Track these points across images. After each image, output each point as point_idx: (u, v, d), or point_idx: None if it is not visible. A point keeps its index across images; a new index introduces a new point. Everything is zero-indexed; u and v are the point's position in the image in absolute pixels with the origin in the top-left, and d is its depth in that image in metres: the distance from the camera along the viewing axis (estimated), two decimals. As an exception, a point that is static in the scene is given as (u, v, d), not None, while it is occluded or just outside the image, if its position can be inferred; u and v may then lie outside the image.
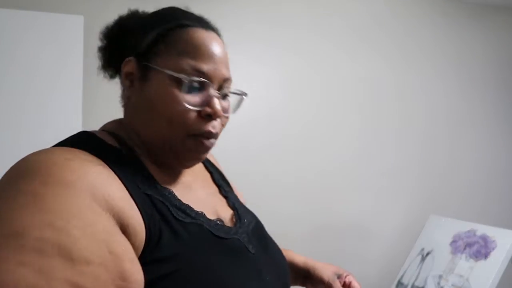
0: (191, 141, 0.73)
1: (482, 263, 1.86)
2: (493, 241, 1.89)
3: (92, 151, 0.67)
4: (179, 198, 0.73)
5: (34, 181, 0.59)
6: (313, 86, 2.48)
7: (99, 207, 0.58)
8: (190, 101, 0.71)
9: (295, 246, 2.40)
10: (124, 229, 0.60)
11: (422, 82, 2.65)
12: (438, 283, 1.95)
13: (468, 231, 2.01)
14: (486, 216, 2.61)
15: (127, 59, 0.77)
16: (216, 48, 0.73)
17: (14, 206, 0.55)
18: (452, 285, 1.90)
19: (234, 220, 0.82)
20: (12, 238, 0.52)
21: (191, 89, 0.71)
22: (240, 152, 2.36)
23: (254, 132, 2.40)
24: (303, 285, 1.01)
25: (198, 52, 0.72)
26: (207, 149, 0.75)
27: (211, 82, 0.73)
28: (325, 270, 0.96)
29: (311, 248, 2.44)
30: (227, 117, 0.78)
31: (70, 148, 0.67)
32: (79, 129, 2.21)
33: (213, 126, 0.74)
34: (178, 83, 0.71)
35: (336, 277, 0.96)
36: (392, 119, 2.59)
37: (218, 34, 0.79)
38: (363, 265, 2.53)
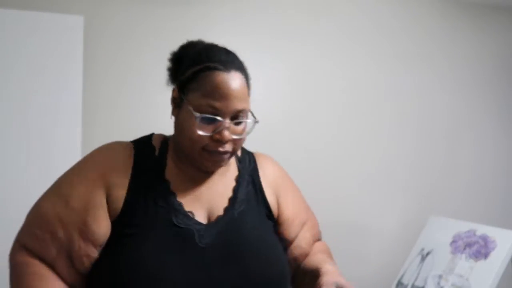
0: (205, 154, 0.95)
1: (482, 263, 1.86)
2: (493, 241, 1.89)
3: (136, 146, 1.01)
4: (172, 189, 0.97)
5: (83, 159, 1.01)
6: (311, 87, 2.48)
7: (100, 181, 0.94)
8: (203, 129, 0.93)
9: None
10: (108, 197, 0.94)
11: (422, 82, 2.64)
12: (438, 283, 1.95)
13: (468, 231, 2.01)
14: (486, 216, 2.61)
15: (174, 87, 1.01)
16: (230, 88, 0.93)
17: (67, 172, 1.00)
18: (452, 285, 1.90)
19: (215, 220, 0.99)
20: (56, 187, 0.98)
21: (205, 121, 0.93)
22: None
23: (254, 131, 2.39)
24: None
25: (216, 93, 0.92)
26: (219, 162, 0.98)
27: (223, 115, 0.93)
28: (327, 276, 0.98)
29: (311, 248, 2.44)
30: (240, 138, 0.97)
31: (124, 142, 1.03)
32: (79, 129, 2.18)
33: (223, 147, 0.95)
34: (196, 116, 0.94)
35: (334, 285, 0.95)
36: (393, 119, 2.59)
37: (242, 68, 0.98)
38: (363, 265, 2.53)
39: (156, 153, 1.01)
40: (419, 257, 2.12)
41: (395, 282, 2.14)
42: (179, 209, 0.95)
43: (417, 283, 2.03)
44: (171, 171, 1.00)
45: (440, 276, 1.97)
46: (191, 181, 1.01)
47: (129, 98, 2.17)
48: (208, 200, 1.00)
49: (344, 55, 2.53)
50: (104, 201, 0.94)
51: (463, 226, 2.05)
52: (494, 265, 1.81)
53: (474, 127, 2.72)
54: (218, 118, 0.93)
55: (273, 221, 1.07)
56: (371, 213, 2.55)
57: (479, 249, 1.91)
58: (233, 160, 1.09)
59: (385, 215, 2.57)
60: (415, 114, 2.63)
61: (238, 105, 0.95)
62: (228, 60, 0.97)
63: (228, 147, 0.96)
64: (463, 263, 1.92)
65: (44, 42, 2.04)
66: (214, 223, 0.97)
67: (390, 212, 2.58)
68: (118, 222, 0.93)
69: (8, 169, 1.98)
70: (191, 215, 0.96)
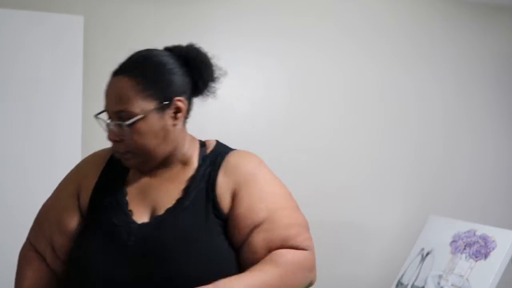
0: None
1: (482, 263, 1.86)
2: (493, 241, 1.89)
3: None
4: (126, 188, 1.04)
5: (75, 166, 1.15)
6: (312, 88, 2.48)
7: (76, 182, 1.08)
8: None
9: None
10: (79, 197, 1.06)
11: (423, 82, 2.64)
12: (438, 283, 1.95)
13: (468, 231, 2.01)
14: (486, 216, 2.61)
15: None
16: (109, 91, 1.00)
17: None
18: (452, 285, 1.90)
19: (151, 220, 1.01)
20: (54, 189, 1.13)
21: (100, 122, 1.02)
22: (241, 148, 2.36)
23: (254, 131, 2.40)
24: None
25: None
26: (124, 161, 1.03)
27: (109, 117, 1.00)
28: None
29: (311, 248, 2.44)
30: (130, 141, 0.98)
31: (108, 148, 1.10)
32: (79, 129, 2.19)
33: (114, 146, 1.01)
34: None
35: None
36: (392, 120, 2.59)
37: (132, 71, 1.00)
38: (363, 265, 2.53)
39: None
40: (419, 257, 2.12)
41: (395, 282, 2.14)
42: (122, 208, 1.01)
43: (417, 283, 2.03)
44: (133, 173, 1.07)
45: (440, 276, 1.97)
46: (145, 182, 1.05)
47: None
48: (154, 199, 1.02)
49: (345, 56, 2.53)
50: (76, 201, 1.06)
51: (463, 226, 2.05)
52: (494, 265, 1.81)
53: (475, 127, 2.72)
54: (104, 119, 1.00)
55: (223, 220, 1.01)
56: (371, 213, 2.55)
57: (479, 249, 1.91)
58: (195, 160, 1.06)
59: (385, 215, 2.57)
60: (416, 114, 2.63)
61: (114, 107, 0.98)
62: (121, 64, 1.02)
63: (120, 147, 1.00)
64: (463, 263, 1.92)
65: (44, 42, 2.04)
66: (149, 223, 0.99)
67: (390, 212, 2.58)
68: (85, 218, 1.04)
69: (8, 169, 1.98)
70: (130, 213, 1.00)
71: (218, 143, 1.11)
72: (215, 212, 1.00)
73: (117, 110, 0.97)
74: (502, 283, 1.85)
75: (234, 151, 1.09)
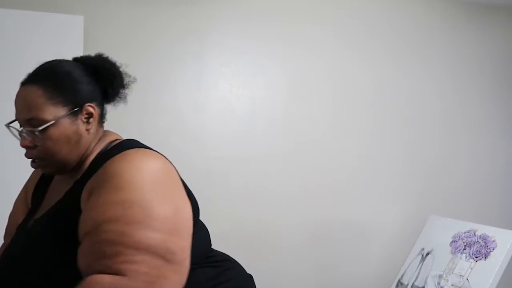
0: None
1: (482, 263, 1.86)
2: (493, 241, 1.89)
3: None
4: (45, 195, 1.11)
5: None
6: (311, 89, 2.48)
7: (25, 187, 1.22)
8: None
9: (296, 246, 2.40)
10: (26, 196, 1.19)
11: (419, 82, 2.64)
12: (438, 283, 1.95)
13: (468, 231, 2.01)
14: (486, 216, 2.61)
15: None
16: (17, 99, 1.07)
17: None
18: (452, 285, 1.90)
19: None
20: None
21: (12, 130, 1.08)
22: (242, 151, 2.36)
23: (254, 131, 2.40)
24: None
25: None
26: (40, 169, 1.07)
27: (20, 125, 1.05)
28: None
29: (311, 248, 2.44)
30: (43, 147, 1.00)
31: None
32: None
33: (28, 152, 1.04)
34: None
35: None
36: (392, 119, 2.59)
37: (36, 80, 1.05)
38: (363, 265, 2.53)
39: None
40: (419, 257, 2.12)
41: (395, 282, 2.14)
42: (32, 213, 1.10)
43: (417, 283, 2.03)
44: (56, 179, 1.13)
45: (440, 276, 1.97)
46: (52, 186, 1.14)
47: (129, 98, 2.17)
48: (49, 205, 1.04)
49: (342, 57, 2.53)
50: (26, 204, 1.19)
51: (463, 226, 2.05)
52: (494, 265, 1.81)
53: (472, 127, 2.72)
54: (14, 127, 1.05)
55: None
56: (371, 213, 2.55)
57: (479, 249, 1.91)
58: (89, 162, 1.03)
59: (385, 215, 2.57)
60: (414, 114, 2.63)
61: (25, 115, 1.02)
62: (29, 74, 1.08)
63: (32, 154, 1.03)
64: (463, 263, 1.92)
65: (44, 42, 2.04)
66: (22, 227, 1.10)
67: (390, 211, 2.58)
68: None
69: (7, 169, 1.98)
70: (32, 219, 1.07)
71: (117, 144, 1.04)
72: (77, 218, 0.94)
73: (28, 118, 1.01)
74: (502, 283, 1.85)
75: (125, 152, 0.98)
